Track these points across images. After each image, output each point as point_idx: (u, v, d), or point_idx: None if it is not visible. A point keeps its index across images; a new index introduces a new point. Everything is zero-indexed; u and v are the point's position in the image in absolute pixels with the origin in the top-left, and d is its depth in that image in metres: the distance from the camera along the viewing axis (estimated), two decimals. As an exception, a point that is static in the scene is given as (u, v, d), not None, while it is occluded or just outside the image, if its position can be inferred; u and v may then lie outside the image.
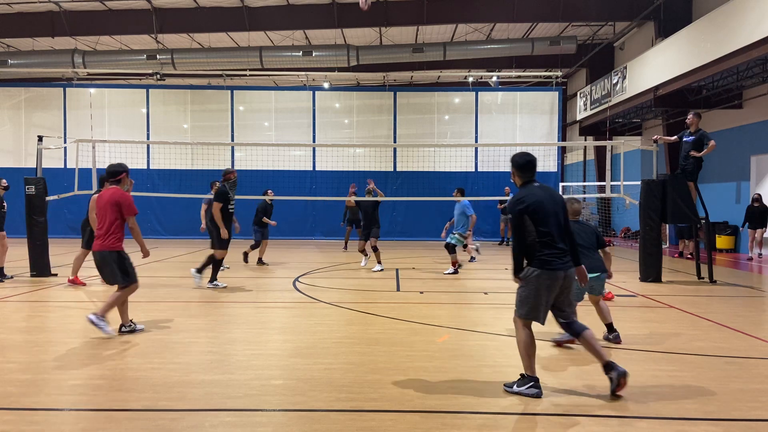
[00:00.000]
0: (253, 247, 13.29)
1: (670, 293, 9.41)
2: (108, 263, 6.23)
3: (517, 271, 4.49)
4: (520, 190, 4.59)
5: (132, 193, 6.82)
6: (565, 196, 5.62)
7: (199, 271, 9.68)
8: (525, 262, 4.48)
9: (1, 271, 10.16)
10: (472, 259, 13.79)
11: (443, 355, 5.56)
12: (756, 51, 11.95)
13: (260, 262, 13.15)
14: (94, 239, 6.35)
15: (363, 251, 12.86)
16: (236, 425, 3.83)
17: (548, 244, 4.39)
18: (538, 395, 4.35)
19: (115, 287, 6.43)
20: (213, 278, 9.68)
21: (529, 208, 4.40)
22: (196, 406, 4.19)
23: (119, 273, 6.24)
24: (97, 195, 6.47)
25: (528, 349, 4.46)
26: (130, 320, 6.44)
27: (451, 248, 11.71)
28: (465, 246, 12.50)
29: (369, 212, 12.36)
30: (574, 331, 4.55)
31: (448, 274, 11.60)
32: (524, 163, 4.59)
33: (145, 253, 6.38)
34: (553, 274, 4.37)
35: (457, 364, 5.16)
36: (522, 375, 4.50)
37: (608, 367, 4.41)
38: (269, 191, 13.43)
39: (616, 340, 6.04)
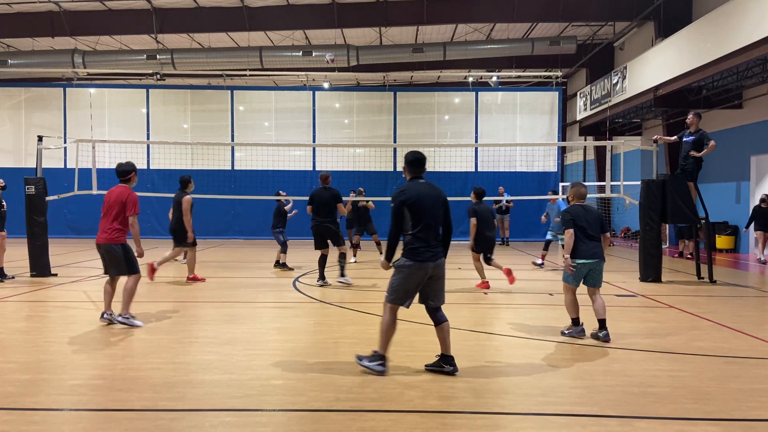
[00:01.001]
0: (284, 252, 12.32)
1: (670, 293, 9.41)
2: (114, 255, 6.59)
3: (389, 257, 4.87)
4: (406, 183, 4.97)
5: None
6: (570, 182, 5.85)
7: (343, 274, 10.11)
8: (398, 251, 4.84)
9: (2, 271, 10.16)
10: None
11: (443, 355, 5.56)
12: (756, 51, 11.94)
13: (280, 264, 12.26)
14: (99, 233, 6.67)
15: (357, 245, 13.77)
16: (236, 425, 3.83)
17: (420, 237, 4.75)
18: (383, 372, 4.80)
19: (105, 286, 6.76)
20: (322, 275, 10.02)
21: (408, 200, 4.77)
22: (196, 406, 4.19)
23: (125, 264, 6.61)
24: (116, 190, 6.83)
25: (388, 331, 4.86)
26: (123, 313, 6.69)
27: (547, 244, 12.96)
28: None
29: (363, 214, 13.77)
30: (437, 320, 4.94)
31: (539, 264, 12.85)
32: (414, 159, 5.01)
33: (140, 253, 6.64)
34: (421, 265, 4.74)
35: (457, 364, 5.14)
36: (375, 351, 4.89)
37: (447, 359, 4.89)
38: (281, 192, 12.70)
39: (605, 338, 6.02)
